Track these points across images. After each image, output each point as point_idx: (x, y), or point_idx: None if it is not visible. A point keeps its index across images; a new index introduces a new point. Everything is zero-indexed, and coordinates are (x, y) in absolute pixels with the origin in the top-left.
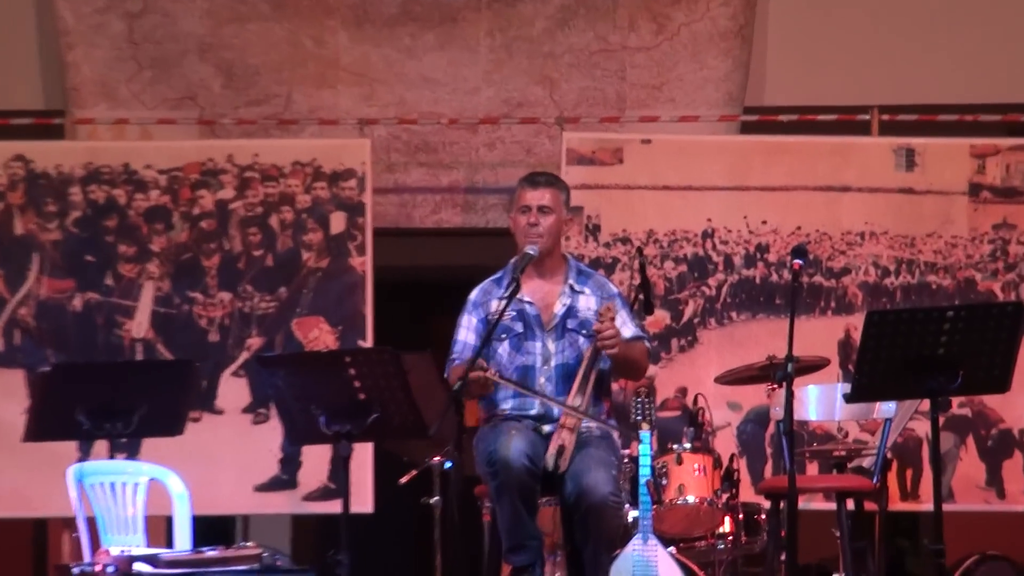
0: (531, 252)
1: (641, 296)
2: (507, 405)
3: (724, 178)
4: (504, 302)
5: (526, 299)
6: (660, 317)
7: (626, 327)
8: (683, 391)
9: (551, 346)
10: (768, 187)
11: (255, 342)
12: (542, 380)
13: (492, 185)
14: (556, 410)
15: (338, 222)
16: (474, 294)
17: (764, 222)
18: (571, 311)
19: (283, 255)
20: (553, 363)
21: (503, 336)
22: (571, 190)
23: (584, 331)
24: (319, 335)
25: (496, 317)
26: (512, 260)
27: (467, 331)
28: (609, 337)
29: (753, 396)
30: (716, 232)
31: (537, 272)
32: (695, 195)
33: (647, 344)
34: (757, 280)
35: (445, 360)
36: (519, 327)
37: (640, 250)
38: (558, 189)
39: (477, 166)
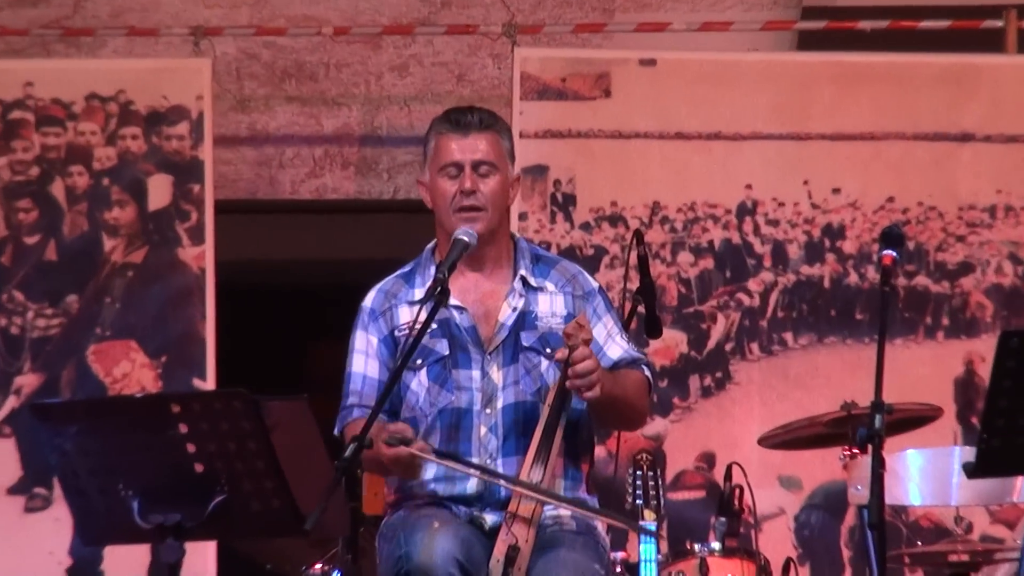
0: (465, 239)
1: (641, 308)
2: (427, 478)
3: (772, 121)
4: (421, 308)
5: (454, 303)
6: (672, 341)
7: (612, 344)
8: (709, 458)
9: (496, 376)
10: (842, 135)
11: (28, 381)
12: (482, 431)
13: (403, 132)
14: (504, 489)
15: (160, 191)
16: (370, 299)
17: (836, 190)
18: (526, 319)
19: (73, 243)
20: (499, 403)
21: (419, 362)
22: (531, 139)
23: (548, 350)
24: (130, 370)
25: (409, 333)
26: (428, 247)
27: (365, 358)
28: (584, 373)
29: (820, 467)
30: (760, 206)
31: (470, 262)
32: (726, 147)
33: (646, 372)
34: (825, 282)
35: (334, 408)
36: (443, 348)
37: (640, 235)
38: (498, 132)
39: (380, 102)
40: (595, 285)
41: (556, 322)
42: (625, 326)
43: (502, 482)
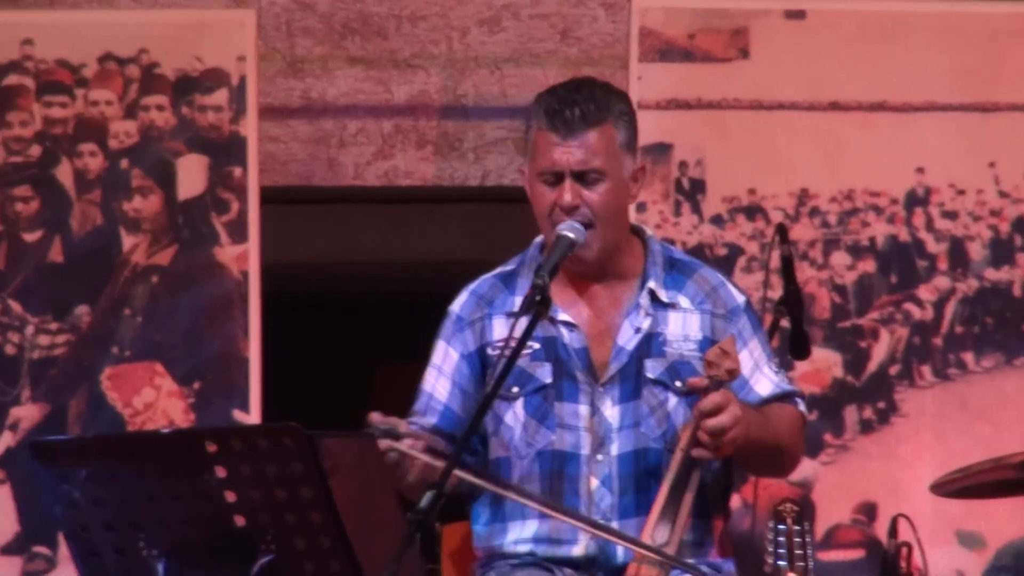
0: (571, 235)
1: (785, 322)
2: (525, 534)
3: (951, 88)
4: (519, 323)
5: (563, 319)
6: (823, 363)
7: (760, 376)
8: (869, 510)
9: (610, 414)
10: None
11: (28, 413)
12: (592, 483)
13: (494, 102)
14: (621, 548)
15: (193, 176)
16: (459, 303)
17: None
18: (652, 343)
19: (83, 241)
20: (614, 449)
21: (515, 390)
22: (651, 110)
23: (679, 383)
24: (155, 399)
25: (503, 352)
26: (537, 241)
27: (437, 375)
28: (716, 431)
29: (1008, 521)
30: (934, 195)
31: (585, 270)
32: (892, 121)
33: (800, 406)
34: (1015, 289)
35: None
36: (545, 374)
37: (784, 231)
38: (612, 124)
39: (465, 65)
40: (741, 301)
41: (689, 348)
42: (768, 334)
43: (616, 539)
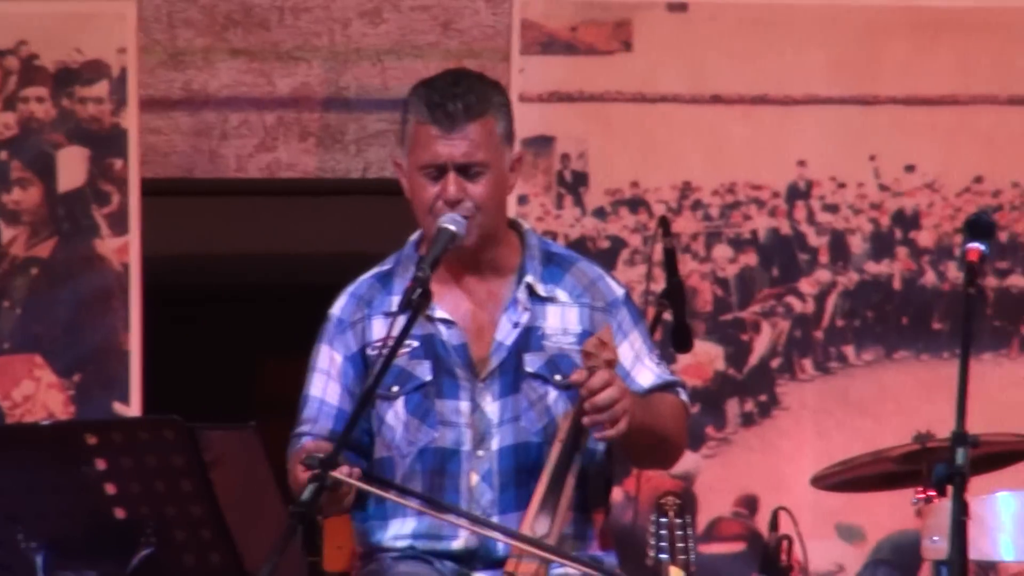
0: (452, 228)
1: (668, 315)
2: (404, 529)
3: (832, 81)
4: (398, 322)
5: (440, 316)
6: (705, 356)
7: (641, 367)
8: (750, 503)
9: (490, 409)
10: (918, 99)
11: None
12: (473, 479)
13: (375, 94)
14: (503, 544)
15: (73, 168)
16: (339, 306)
17: (910, 168)
18: (531, 337)
19: None
20: (495, 444)
21: (395, 390)
22: (533, 103)
23: (559, 377)
24: (35, 391)
25: (381, 351)
26: (412, 239)
27: (326, 379)
28: (605, 405)
29: (887, 514)
30: (815, 188)
31: (463, 265)
32: (774, 114)
33: (683, 396)
34: (895, 283)
35: (288, 439)
36: (425, 371)
37: (666, 224)
38: (492, 116)
39: (347, 57)
40: (620, 293)
41: (568, 341)
42: (650, 327)
43: (494, 534)
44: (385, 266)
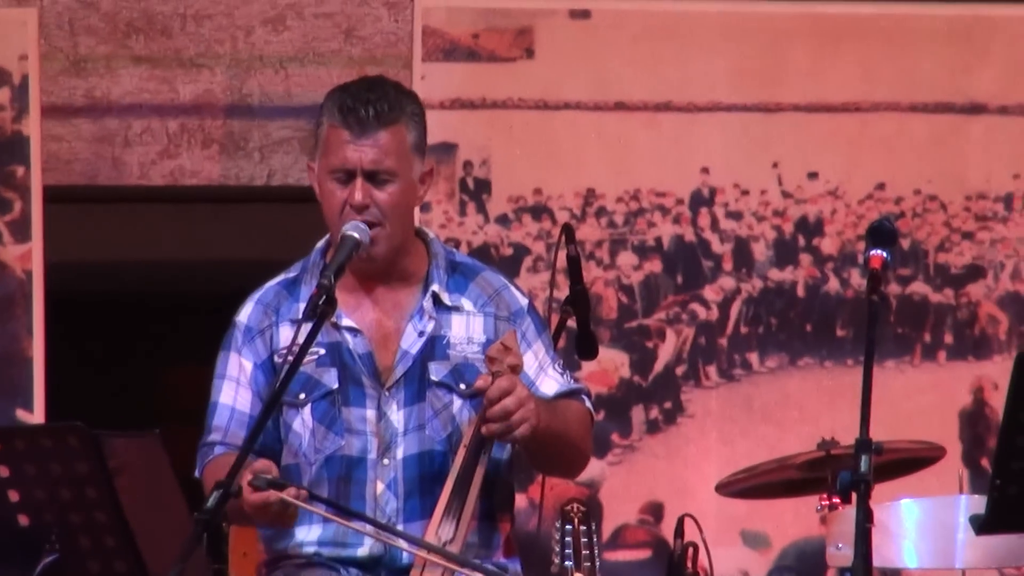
0: (355, 235)
1: (572, 322)
2: (311, 536)
3: (734, 89)
4: (302, 328)
5: (347, 324)
6: (610, 363)
7: (544, 377)
8: (656, 510)
9: (395, 417)
10: (820, 106)
11: None
12: (379, 487)
13: (279, 101)
14: (404, 551)
15: None
16: (245, 314)
17: (812, 175)
18: (436, 346)
19: None
20: (400, 452)
21: (302, 397)
22: (435, 110)
23: (463, 386)
24: None
25: (287, 358)
26: (319, 246)
27: (236, 387)
28: (504, 414)
29: (792, 521)
30: (719, 195)
31: (369, 273)
32: (678, 121)
33: (587, 403)
34: (799, 290)
35: (194, 446)
36: (331, 379)
37: (570, 231)
38: (404, 124)
39: (250, 64)
40: (524, 303)
41: (473, 350)
42: (553, 336)
43: (402, 543)
44: (291, 273)
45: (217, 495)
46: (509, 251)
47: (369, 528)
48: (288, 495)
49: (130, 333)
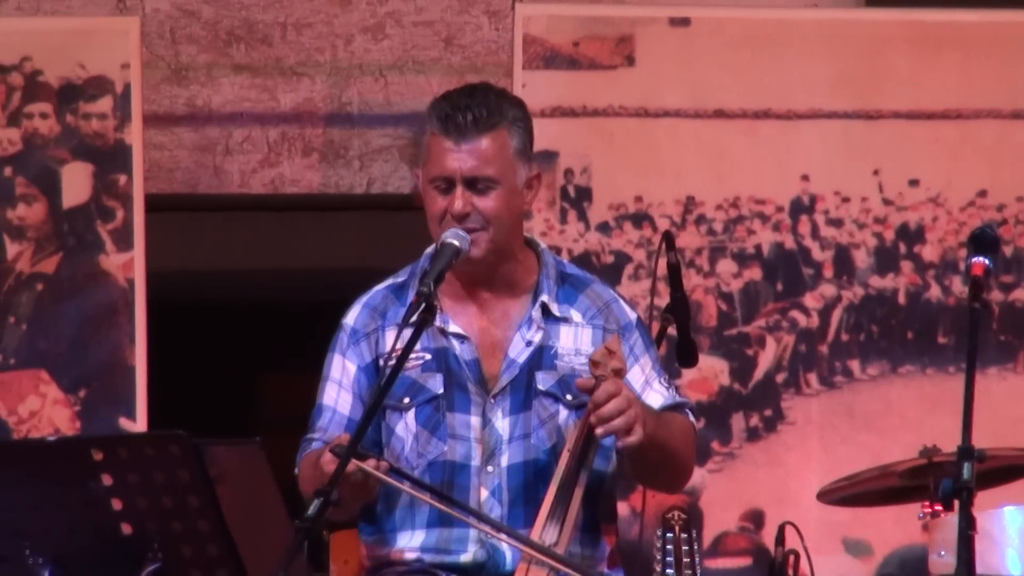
0: (455, 243)
1: (672, 330)
2: (413, 543)
3: (834, 96)
4: (400, 331)
5: (454, 330)
6: (710, 370)
7: (650, 391)
8: (756, 517)
9: (500, 425)
10: (921, 113)
11: None
12: (483, 494)
13: (378, 109)
14: (510, 554)
15: (77, 184)
16: (353, 316)
17: (913, 182)
18: (543, 356)
19: None
20: (504, 460)
21: (406, 401)
22: (536, 118)
23: (569, 396)
24: (40, 407)
25: (388, 363)
26: (428, 251)
27: (338, 389)
28: (610, 416)
29: (894, 528)
30: (819, 202)
31: (477, 280)
32: (778, 129)
33: (691, 417)
34: (900, 297)
35: (293, 453)
36: (436, 384)
37: (670, 238)
38: (505, 130)
39: (349, 72)
40: (632, 317)
41: (580, 362)
42: (656, 347)
43: (505, 538)
44: (399, 278)
45: (317, 503)
46: (610, 259)
47: (472, 520)
48: (368, 466)
49: (231, 341)
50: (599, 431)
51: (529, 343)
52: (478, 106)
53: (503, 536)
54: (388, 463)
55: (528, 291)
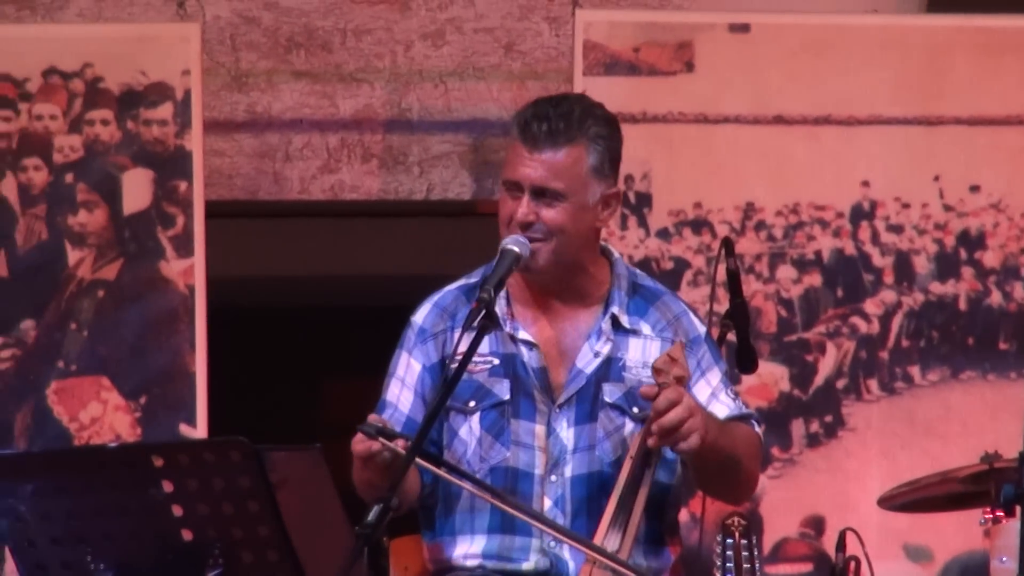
0: (516, 249)
1: (732, 336)
2: (474, 548)
3: (895, 101)
4: (462, 335)
5: (523, 337)
6: (770, 377)
7: (716, 403)
8: (817, 523)
9: (565, 435)
10: (983, 119)
11: None
12: (546, 504)
13: (438, 115)
14: (573, 563)
15: (138, 190)
16: (422, 315)
17: (975, 188)
18: (611, 368)
19: (28, 256)
20: (568, 471)
21: (471, 404)
22: None
23: (636, 409)
24: (101, 413)
25: (451, 365)
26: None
27: (401, 386)
28: (671, 427)
29: (955, 534)
30: (879, 208)
31: (548, 290)
32: (838, 135)
33: (758, 429)
34: (961, 303)
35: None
36: (503, 390)
37: (730, 244)
38: (583, 146)
39: (409, 78)
40: (702, 331)
41: (648, 375)
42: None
43: (571, 541)
44: (472, 279)
45: (377, 510)
46: (670, 265)
47: (528, 515)
48: (398, 446)
49: (290, 347)
50: (651, 441)
51: (597, 354)
52: (559, 118)
53: (570, 537)
54: (408, 439)
55: (599, 301)
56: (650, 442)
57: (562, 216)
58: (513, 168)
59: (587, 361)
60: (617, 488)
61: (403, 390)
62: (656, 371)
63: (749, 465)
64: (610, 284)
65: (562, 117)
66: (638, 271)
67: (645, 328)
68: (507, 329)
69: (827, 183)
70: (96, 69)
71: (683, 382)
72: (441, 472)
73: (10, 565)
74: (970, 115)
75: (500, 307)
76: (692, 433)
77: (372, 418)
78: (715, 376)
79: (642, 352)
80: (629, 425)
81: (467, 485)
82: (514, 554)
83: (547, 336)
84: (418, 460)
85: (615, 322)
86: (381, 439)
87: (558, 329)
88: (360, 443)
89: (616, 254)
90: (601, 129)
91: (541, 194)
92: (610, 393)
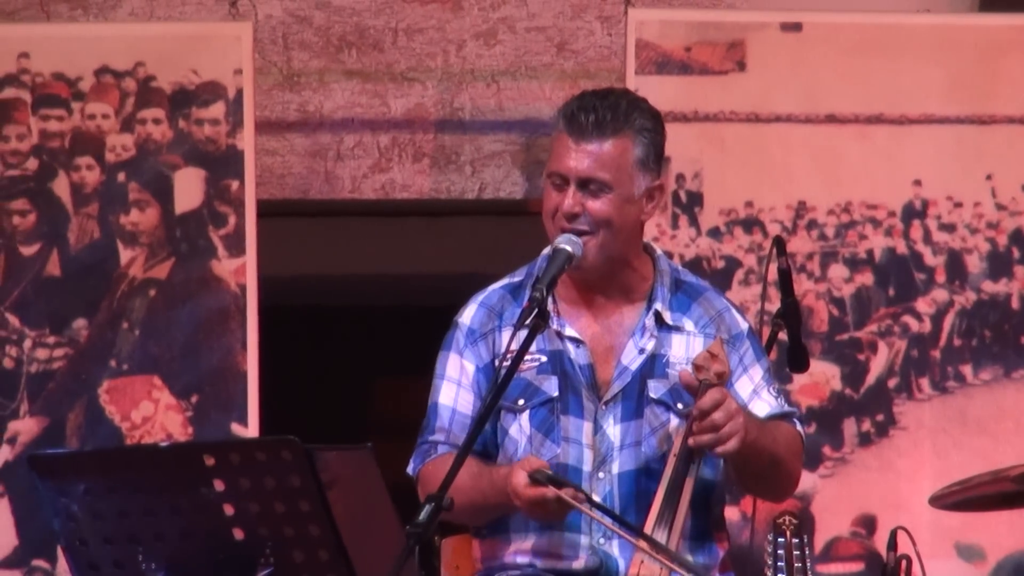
0: (568, 248)
1: (783, 335)
2: (525, 546)
3: (948, 100)
4: (514, 334)
5: (570, 334)
6: (821, 376)
7: (758, 400)
8: (868, 522)
9: (612, 432)
10: None
11: (26, 427)
12: (594, 500)
13: (490, 115)
14: (622, 562)
15: (190, 189)
16: (469, 315)
17: None
18: (655, 364)
19: (81, 255)
20: (615, 467)
21: (521, 403)
22: None
23: (681, 405)
24: (153, 412)
25: (502, 364)
26: (545, 252)
27: (457, 388)
28: (713, 427)
29: (1008, 533)
30: (931, 207)
31: (592, 286)
32: (889, 134)
33: (798, 426)
34: (1013, 302)
35: (404, 458)
36: (552, 387)
37: (781, 243)
38: (629, 137)
39: (461, 78)
40: (744, 327)
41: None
42: (767, 355)
43: (628, 537)
44: (516, 278)
45: (429, 508)
46: (721, 264)
47: (642, 544)
48: (566, 494)
49: (342, 346)
50: (692, 442)
51: (642, 350)
52: (605, 109)
53: (629, 531)
54: (585, 494)
55: (643, 298)
56: (690, 442)
57: (608, 207)
58: (559, 159)
59: (632, 358)
60: (661, 485)
61: (460, 392)
62: (696, 367)
63: (790, 464)
64: (653, 280)
65: (609, 108)
66: (680, 267)
67: (688, 324)
68: (554, 326)
69: (879, 182)
70: (148, 68)
71: (724, 378)
72: (606, 522)
73: (62, 564)
74: (1022, 114)
75: (547, 304)
76: (732, 437)
77: (534, 462)
78: (757, 373)
79: (686, 348)
80: (674, 421)
81: (618, 530)
82: (564, 551)
83: (593, 333)
84: (582, 506)
85: (659, 318)
86: (551, 487)
87: (603, 326)
88: (531, 489)
89: (659, 251)
90: (647, 122)
91: (586, 185)
92: (655, 389)
